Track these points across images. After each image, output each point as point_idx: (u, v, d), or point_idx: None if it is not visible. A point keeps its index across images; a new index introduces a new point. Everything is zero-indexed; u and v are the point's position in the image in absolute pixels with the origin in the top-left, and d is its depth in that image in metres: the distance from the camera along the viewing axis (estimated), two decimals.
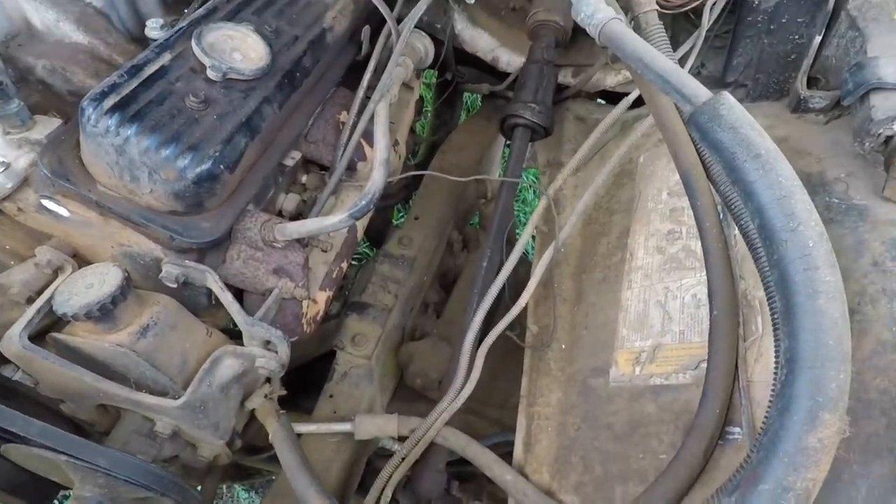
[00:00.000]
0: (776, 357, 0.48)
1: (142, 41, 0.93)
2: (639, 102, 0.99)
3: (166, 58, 0.77)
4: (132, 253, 0.74)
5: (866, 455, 0.51)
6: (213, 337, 0.75)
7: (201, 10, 0.86)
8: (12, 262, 0.71)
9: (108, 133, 0.69)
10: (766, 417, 0.46)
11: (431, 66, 1.19)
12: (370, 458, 1.01)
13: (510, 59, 1.19)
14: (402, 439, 0.85)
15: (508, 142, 1.09)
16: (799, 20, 0.93)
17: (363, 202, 0.78)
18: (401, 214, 2.04)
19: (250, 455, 1.02)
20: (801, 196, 0.48)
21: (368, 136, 0.92)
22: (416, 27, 0.99)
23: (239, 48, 0.82)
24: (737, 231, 0.66)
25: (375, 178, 0.79)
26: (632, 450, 0.67)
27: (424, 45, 1.12)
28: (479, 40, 1.19)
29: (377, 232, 1.47)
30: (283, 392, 0.84)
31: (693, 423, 0.61)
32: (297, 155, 0.89)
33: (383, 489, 0.81)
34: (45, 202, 0.73)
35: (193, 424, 0.71)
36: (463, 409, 0.82)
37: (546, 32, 1.07)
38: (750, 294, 0.66)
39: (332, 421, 0.92)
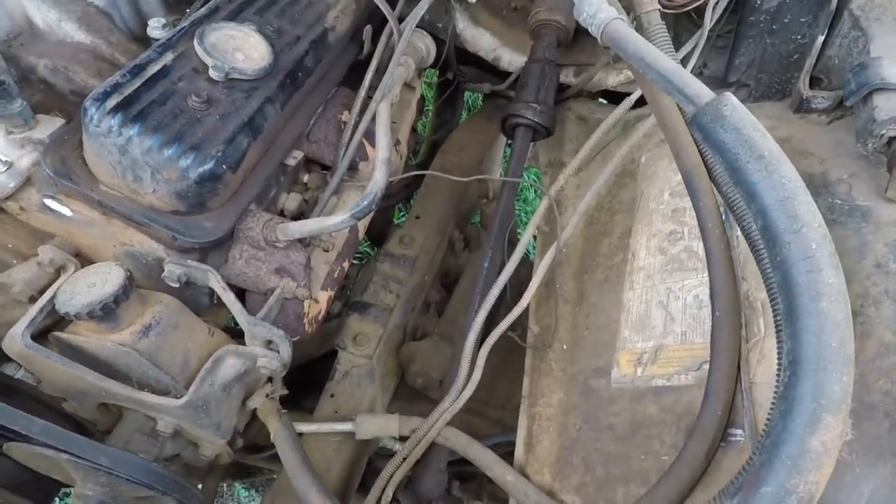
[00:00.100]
0: (779, 359, 0.48)
1: (144, 41, 0.93)
2: (641, 102, 0.98)
3: (168, 57, 0.77)
4: (134, 252, 0.74)
5: (869, 458, 0.51)
6: (215, 336, 0.75)
7: (203, 10, 0.86)
8: (15, 261, 0.71)
9: (110, 133, 0.69)
10: (768, 419, 0.46)
11: (433, 66, 1.19)
12: (371, 457, 1.01)
13: (511, 59, 1.19)
14: (403, 439, 0.85)
15: (510, 141, 1.09)
16: (802, 20, 0.93)
17: (365, 202, 0.78)
18: (402, 213, 2.04)
19: (251, 454, 1.02)
20: (805, 198, 0.48)
21: (370, 135, 0.92)
22: (417, 27, 0.99)
23: (241, 48, 0.82)
24: (739, 232, 0.66)
25: (377, 178, 0.79)
26: (633, 451, 0.67)
27: (426, 45, 1.12)
28: (481, 40, 1.18)
29: (378, 231, 1.47)
30: (285, 391, 0.84)
31: (695, 425, 0.60)
32: (299, 154, 0.89)
33: (384, 489, 0.81)
34: (48, 201, 0.73)
35: (195, 423, 0.71)
36: (464, 410, 0.82)
37: (548, 32, 1.07)
38: (752, 295, 0.66)
39: (333, 420, 0.92)
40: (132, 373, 0.69)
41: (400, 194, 1.33)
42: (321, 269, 0.88)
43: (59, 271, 0.71)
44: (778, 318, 0.48)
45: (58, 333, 0.68)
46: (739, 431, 0.60)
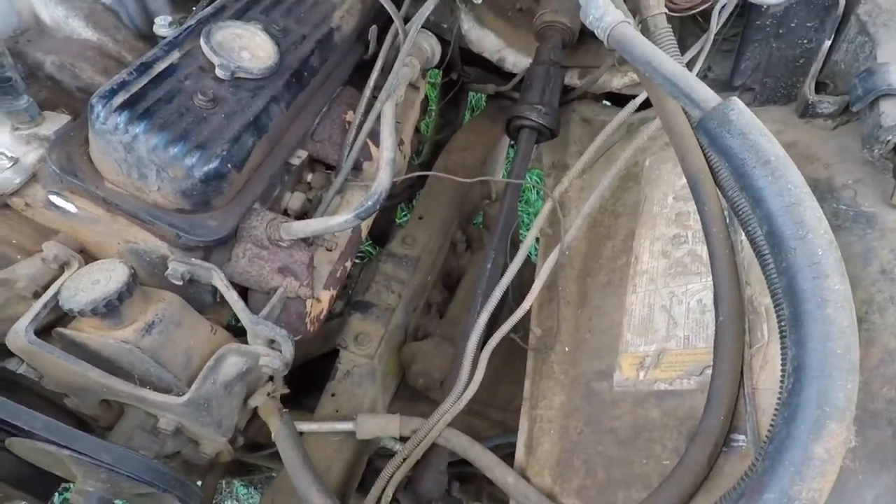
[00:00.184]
0: (783, 365, 0.48)
1: (150, 38, 0.93)
2: (645, 105, 0.98)
3: (175, 56, 0.77)
4: (138, 250, 0.74)
5: (872, 465, 0.51)
6: (217, 334, 0.76)
7: (209, 9, 0.86)
8: (19, 257, 0.71)
9: (116, 130, 0.69)
10: (771, 425, 0.46)
11: (437, 66, 1.19)
12: (371, 457, 1.01)
13: (516, 60, 1.19)
14: (403, 439, 0.85)
15: (513, 142, 1.09)
16: (808, 24, 0.92)
17: (369, 203, 0.78)
18: (404, 214, 2.04)
19: (252, 452, 1.02)
20: (811, 203, 0.48)
21: (374, 135, 0.92)
22: (422, 27, 0.99)
23: (247, 47, 0.82)
24: (743, 236, 0.66)
25: (382, 178, 0.79)
26: (635, 455, 0.66)
27: (431, 46, 1.12)
28: (486, 41, 1.18)
29: (381, 231, 1.47)
30: (286, 390, 0.84)
31: (697, 430, 0.60)
32: (303, 154, 0.90)
33: (384, 489, 0.81)
34: (53, 198, 0.73)
35: (197, 421, 0.71)
36: (465, 411, 0.82)
37: (553, 34, 1.07)
38: (756, 300, 0.66)
39: (334, 420, 0.92)
40: (134, 370, 0.69)
41: (403, 194, 1.33)
42: (324, 268, 0.88)
43: (63, 267, 0.71)
44: (782, 323, 0.48)
45: (61, 329, 0.68)
46: (742, 437, 0.60)
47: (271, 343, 0.75)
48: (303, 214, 0.89)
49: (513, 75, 1.23)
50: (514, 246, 0.95)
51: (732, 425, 0.60)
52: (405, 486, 0.84)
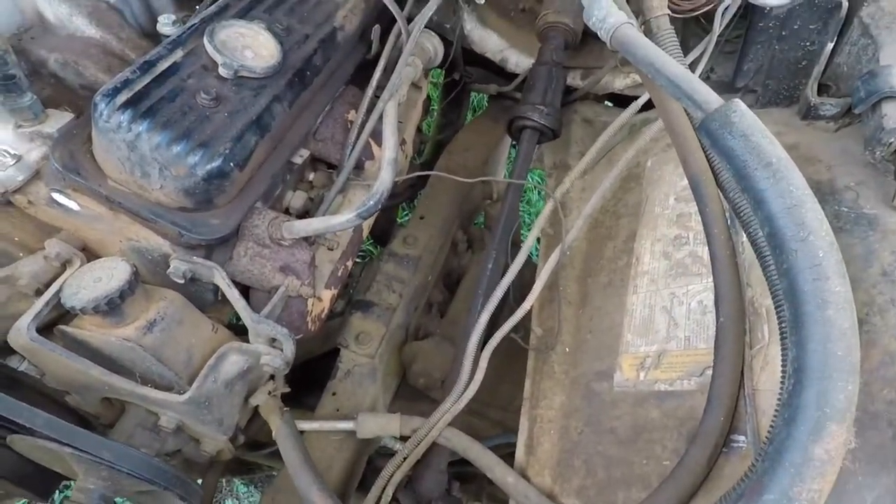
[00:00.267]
0: (783, 366, 0.48)
1: (153, 37, 0.94)
2: (647, 106, 0.98)
3: (178, 54, 0.77)
4: (140, 248, 0.74)
5: (872, 466, 0.51)
6: (218, 333, 0.76)
7: (213, 7, 0.86)
8: (21, 254, 0.72)
9: (119, 129, 0.69)
10: (771, 427, 0.46)
11: (440, 66, 1.19)
12: (371, 456, 1.01)
13: (519, 61, 1.19)
14: (404, 439, 0.85)
15: (515, 143, 1.09)
16: (811, 27, 0.93)
17: (371, 202, 0.78)
18: (405, 213, 2.05)
19: (252, 450, 1.02)
20: (812, 205, 0.48)
21: (376, 135, 0.92)
22: (425, 27, 0.99)
23: (250, 46, 0.82)
24: (744, 238, 0.66)
25: (384, 178, 0.80)
26: (635, 455, 0.67)
27: (434, 46, 1.12)
28: (488, 41, 1.19)
29: (382, 230, 1.48)
30: (287, 389, 0.84)
31: (697, 430, 0.60)
32: (305, 153, 0.90)
33: (384, 488, 0.81)
34: (56, 195, 0.73)
35: (198, 419, 0.71)
36: (465, 410, 0.82)
37: (555, 34, 1.07)
38: (757, 301, 0.66)
39: (334, 419, 0.92)
40: (136, 368, 0.69)
41: (404, 194, 1.33)
42: (325, 267, 0.88)
43: (65, 265, 0.71)
44: (783, 325, 0.48)
45: (63, 327, 0.68)
46: (742, 438, 0.60)
47: (272, 342, 0.75)
48: (304, 213, 0.90)
49: (515, 76, 1.23)
50: (516, 246, 0.95)
51: (732, 426, 0.60)
52: (405, 485, 0.84)
